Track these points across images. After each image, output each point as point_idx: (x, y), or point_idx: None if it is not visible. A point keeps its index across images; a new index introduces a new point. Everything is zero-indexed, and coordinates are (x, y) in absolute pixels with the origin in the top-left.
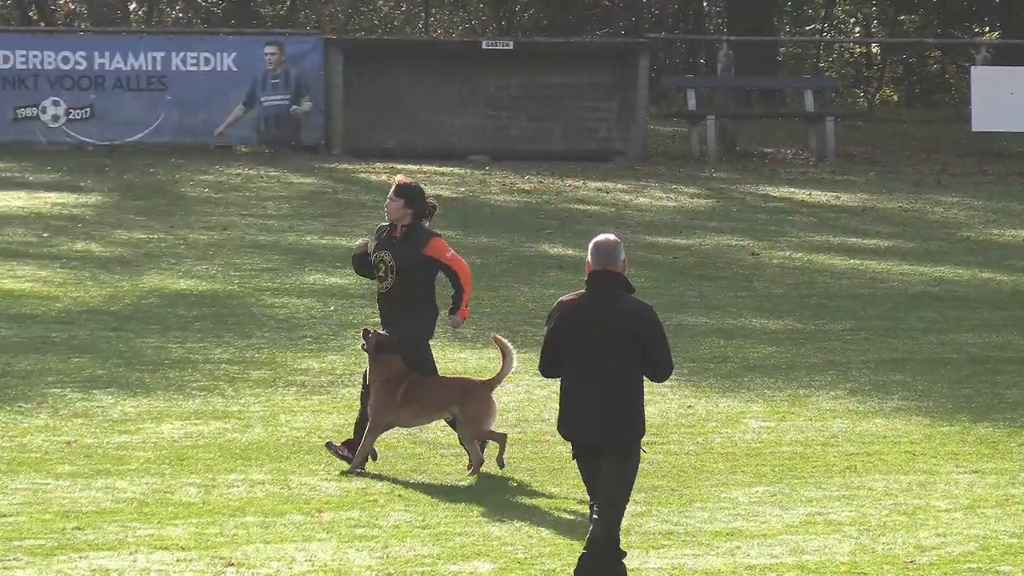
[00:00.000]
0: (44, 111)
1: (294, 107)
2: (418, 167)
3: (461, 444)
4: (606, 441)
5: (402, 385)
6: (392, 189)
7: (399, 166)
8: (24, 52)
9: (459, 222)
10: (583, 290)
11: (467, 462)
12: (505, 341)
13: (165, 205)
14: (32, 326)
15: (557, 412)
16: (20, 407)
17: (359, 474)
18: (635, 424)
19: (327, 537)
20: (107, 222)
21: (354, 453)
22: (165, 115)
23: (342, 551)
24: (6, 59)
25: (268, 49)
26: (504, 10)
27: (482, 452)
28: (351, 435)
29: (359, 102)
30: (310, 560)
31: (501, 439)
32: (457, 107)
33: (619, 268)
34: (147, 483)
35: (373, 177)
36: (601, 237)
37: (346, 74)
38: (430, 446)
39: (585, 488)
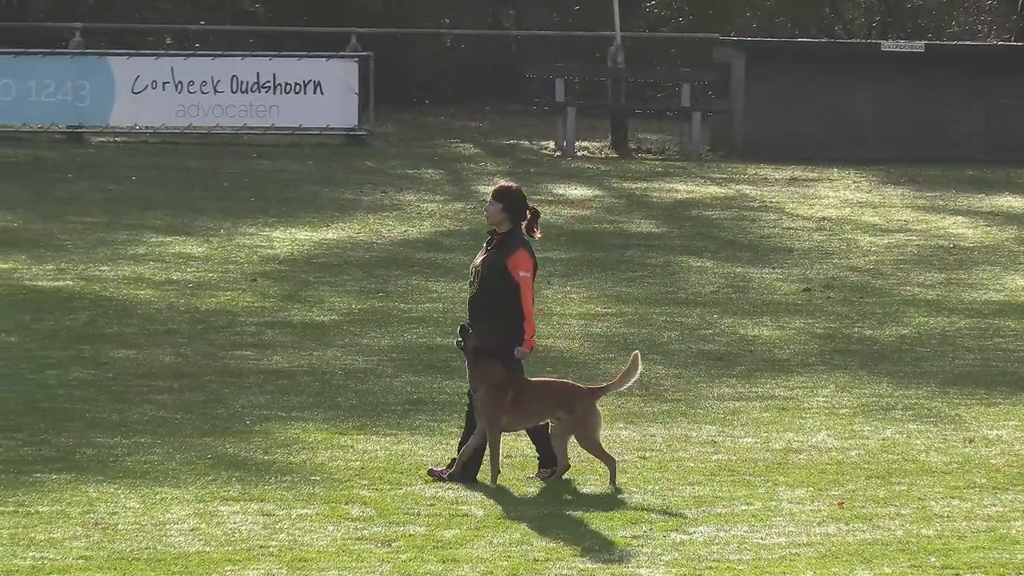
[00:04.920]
0: None
1: None
2: None
3: (553, 446)
4: None
5: (508, 390)
6: (491, 193)
7: None
8: None
9: None
10: None
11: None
12: (638, 362)
13: None
14: None
15: None
16: None
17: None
18: None
19: None
20: None
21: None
22: None
23: None
24: None
25: None
26: None
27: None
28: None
29: None
30: None
31: (611, 463)
32: None
33: None
34: None
35: None
36: None
37: None
38: None
39: None
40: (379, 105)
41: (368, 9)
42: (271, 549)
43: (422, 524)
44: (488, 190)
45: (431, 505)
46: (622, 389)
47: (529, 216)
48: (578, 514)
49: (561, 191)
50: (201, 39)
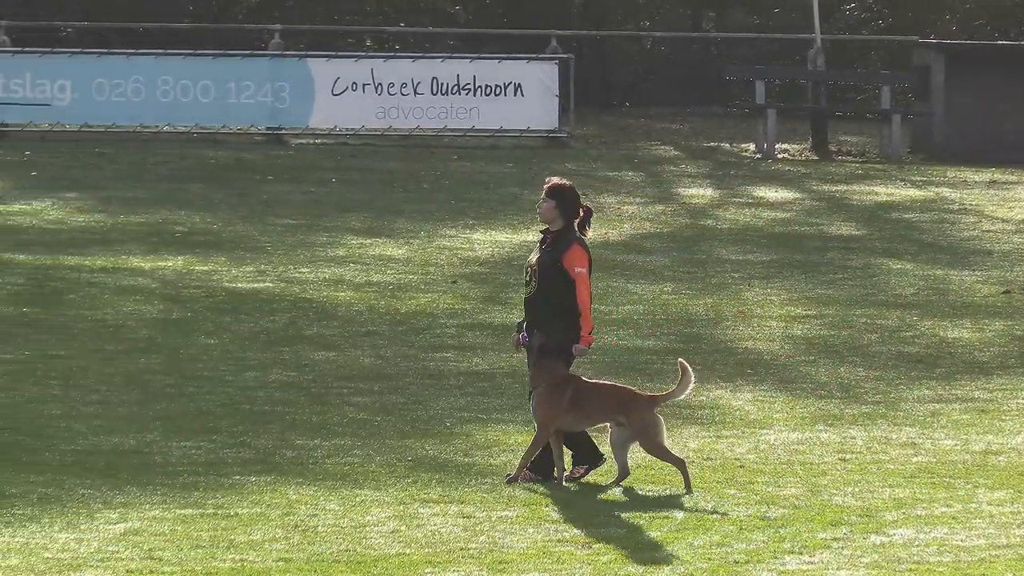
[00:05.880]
0: None
1: None
2: None
3: (612, 451)
4: None
5: (568, 390)
6: (544, 190)
7: None
8: None
9: None
10: None
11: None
12: (688, 368)
13: None
14: None
15: None
16: None
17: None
18: None
19: None
20: None
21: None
22: None
23: None
24: None
25: None
26: None
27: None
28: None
29: None
30: None
31: (681, 464)
32: None
33: None
34: None
35: None
36: None
37: None
38: None
39: None
40: (579, 107)
41: (568, 11)
42: (471, 551)
43: (622, 526)
44: (689, 192)
45: (631, 507)
46: (680, 398)
47: (582, 214)
48: (778, 516)
49: (761, 194)
50: (400, 41)
